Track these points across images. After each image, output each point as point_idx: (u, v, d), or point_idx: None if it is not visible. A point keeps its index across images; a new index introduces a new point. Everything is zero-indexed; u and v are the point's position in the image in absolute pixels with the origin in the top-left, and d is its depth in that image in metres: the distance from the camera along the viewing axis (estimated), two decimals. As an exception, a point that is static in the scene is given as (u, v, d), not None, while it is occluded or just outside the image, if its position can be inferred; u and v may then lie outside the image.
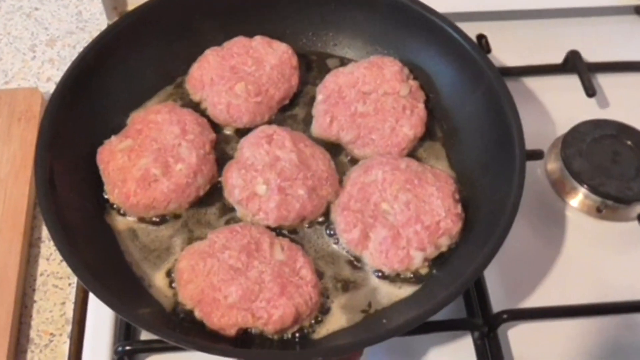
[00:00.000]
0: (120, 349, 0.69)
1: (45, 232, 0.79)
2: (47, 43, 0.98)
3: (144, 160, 0.74)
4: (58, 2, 1.03)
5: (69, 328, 0.72)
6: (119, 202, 0.74)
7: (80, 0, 1.03)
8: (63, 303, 0.74)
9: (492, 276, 0.78)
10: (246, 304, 0.65)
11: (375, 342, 0.60)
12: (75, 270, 0.62)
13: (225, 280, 0.67)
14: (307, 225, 0.75)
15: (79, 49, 0.97)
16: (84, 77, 0.77)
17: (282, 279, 0.67)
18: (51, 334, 0.72)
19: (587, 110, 0.93)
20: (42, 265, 0.77)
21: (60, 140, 0.72)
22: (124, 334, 0.71)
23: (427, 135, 0.82)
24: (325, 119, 0.81)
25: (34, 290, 0.75)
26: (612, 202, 0.83)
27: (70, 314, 0.73)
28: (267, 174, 0.74)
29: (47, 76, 0.94)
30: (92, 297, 0.73)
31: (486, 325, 0.73)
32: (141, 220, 0.74)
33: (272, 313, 0.65)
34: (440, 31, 0.82)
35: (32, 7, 1.02)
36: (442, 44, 0.83)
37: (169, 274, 0.71)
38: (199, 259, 0.68)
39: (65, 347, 0.71)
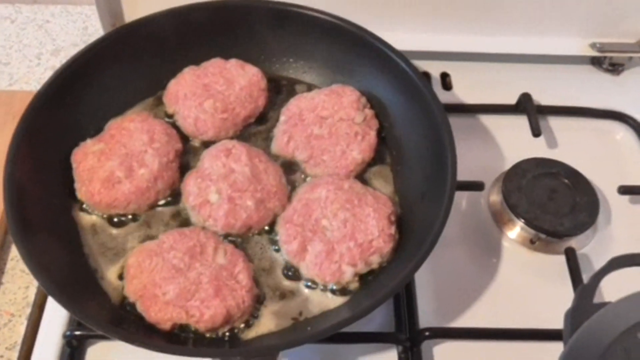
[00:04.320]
0: (68, 333, 0.67)
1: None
2: (52, 52, 0.98)
3: (110, 163, 0.73)
4: (68, 17, 1.03)
5: (28, 310, 0.71)
6: (85, 199, 0.73)
7: (88, 17, 1.03)
8: (27, 287, 0.73)
9: (427, 296, 0.76)
10: (181, 302, 0.64)
11: (288, 347, 0.59)
12: (25, 260, 0.61)
13: (166, 278, 0.65)
14: (253, 234, 0.73)
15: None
16: (68, 82, 0.77)
17: (218, 282, 0.66)
18: (11, 314, 0.71)
19: (535, 149, 0.91)
20: (14, 251, 0.76)
21: (37, 139, 0.72)
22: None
23: (378, 159, 0.80)
24: (284, 138, 0.80)
25: (2, 273, 0.74)
26: (544, 235, 0.81)
27: (32, 297, 0.72)
28: (220, 184, 0.73)
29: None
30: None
31: (409, 341, 0.70)
32: (104, 218, 0.73)
33: (204, 312, 0.63)
34: (395, 65, 0.80)
35: (44, 19, 1.02)
36: (397, 77, 0.81)
37: (121, 269, 0.69)
38: (147, 257, 0.67)
39: (22, 327, 0.70)
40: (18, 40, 0.99)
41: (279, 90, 0.87)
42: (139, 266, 0.66)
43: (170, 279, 0.65)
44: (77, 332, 0.68)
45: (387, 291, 0.64)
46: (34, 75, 0.94)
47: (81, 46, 0.96)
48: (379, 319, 0.73)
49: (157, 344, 0.60)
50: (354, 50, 0.84)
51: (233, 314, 0.64)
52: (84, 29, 1.01)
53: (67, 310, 0.59)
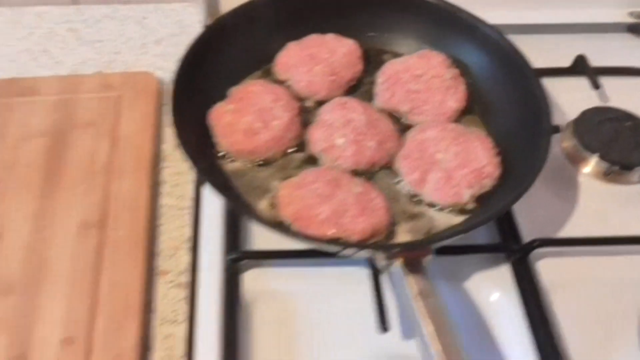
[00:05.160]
0: (231, 256, 0.78)
1: (164, 175, 0.90)
2: (155, 42, 1.10)
3: (246, 118, 0.85)
4: (161, 14, 1.15)
5: (188, 244, 0.82)
6: (228, 149, 0.84)
7: (179, 12, 1.16)
8: (183, 227, 0.84)
9: (521, 220, 0.87)
10: (335, 220, 0.75)
11: (441, 240, 0.70)
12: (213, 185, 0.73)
13: (317, 203, 0.76)
14: (375, 170, 0.85)
15: (181, 46, 1.09)
16: (194, 60, 0.88)
17: (361, 204, 0.77)
18: (174, 248, 0.82)
19: (591, 103, 1.04)
20: (164, 200, 0.87)
21: (183, 103, 0.83)
22: (231, 246, 0.80)
23: (467, 110, 0.93)
24: (386, 94, 0.92)
25: (158, 217, 0.85)
26: (617, 167, 0.94)
27: (188, 234, 0.83)
28: (343, 130, 0.85)
29: (157, 66, 1.05)
30: (203, 218, 0.83)
31: (521, 251, 0.82)
32: (246, 164, 0.84)
33: (356, 226, 0.75)
34: (479, 31, 0.94)
35: (141, 16, 1.15)
36: (480, 41, 0.95)
37: (269, 202, 0.80)
38: (295, 189, 0.79)
39: (185, 257, 0.81)
40: (120, 35, 1.11)
41: (369, 60, 0.99)
42: (290, 195, 0.78)
43: (321, 203, 0.76)
44: (234, 256, 0.78)
45: (505, 204, 0.76)
46: (145, 61, 1.06)
47: (180, 37, 1.11)
48: (484, 239, 0.85)
49: (326, 239, 0.71)
50: (435, 20, 0.98)
51: (377, 229, 0.76)
52: (179, 22, 1.14)
53: (249, 215, 0.71)
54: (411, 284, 0.66)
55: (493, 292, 0.81)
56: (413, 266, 0.68)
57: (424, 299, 0.64)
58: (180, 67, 0.86)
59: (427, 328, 0.62)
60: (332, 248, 0.70)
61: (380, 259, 0.70)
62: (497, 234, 0.85)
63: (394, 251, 0.68)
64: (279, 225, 0.72)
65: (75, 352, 0.70)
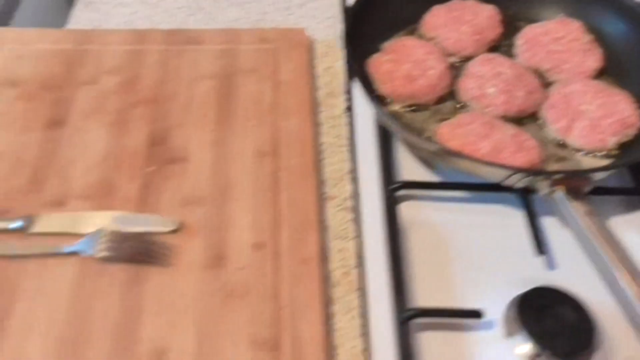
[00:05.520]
0: (392, 186, 0.87)
1: (321, 118, 0.99)
2: (298, 6, 1.20)
3: (405, 66, 0.94)
4: (301, -19, 1.26)
5: (349, 175, 0.91)
6: (389, 93, 0.93)
7: (317, -20, 1.26)
8: (342, 162, 0.93)
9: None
10: (495, 154, 0.83)
11: (600, 170, 0.78)
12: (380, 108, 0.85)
13: (477, 140, 0.84)
14: (522, 118, 0.92)
15: (320, 10, 1.20)
16: (357, 15, 0.98)
17: (516, 143, 0.85)
18: (338, 178, 0.91)
19: None
20: (323, 138, 0.96)
21: (350, 49, 0.93)
22: (387, 178, 0.89)
23: (602, 72, 1.00)
24: (526, 54, 1.00)
25: (321, 152, 0.94)
26: None
27: (347, 168, 0.92)
28: (493, 81, 0.93)
29: (301, 27, 1.15)
30: (360, 154, 0.92)
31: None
32: (402, 107, 0.93)
33: (515, 161, 0.82)
34: (620, 2, 1.02)
35: (283, -17, 1.25)
36: (620, 12, 1.02)
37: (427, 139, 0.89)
38: (454, 128, 0.87)
39: (348, 186, 0.90)
40: (269, -1, 1.22)
41: (506, 26, 1.07)
42: (450, 133, 0.86)
43: (481, 140, 0.84)
44: (394, 186, 0.87)
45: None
46: (290, 21, 1.16)
47: (321, 1, 1.20)
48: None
49: (499, 163, 0.79)
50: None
51: (533, 165, 0.83)
52: (318, -11, 1.24)
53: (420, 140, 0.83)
54: (576, 207, 0.74)
55: (631, 233, 0.87)
56: (575, 194, 0.75)
57: (591, 218, 0.72)
58: (348, 17, 0.96)
59: (597, 240, 0.70)
60: (502, 172, 0.77)
61: (544, 187, 0.77)
62: (631, 181, 0.91)
63: (559, 177, 0.75)
64: (450, 150, 0.80)
65: (265, 255, 0.79)
